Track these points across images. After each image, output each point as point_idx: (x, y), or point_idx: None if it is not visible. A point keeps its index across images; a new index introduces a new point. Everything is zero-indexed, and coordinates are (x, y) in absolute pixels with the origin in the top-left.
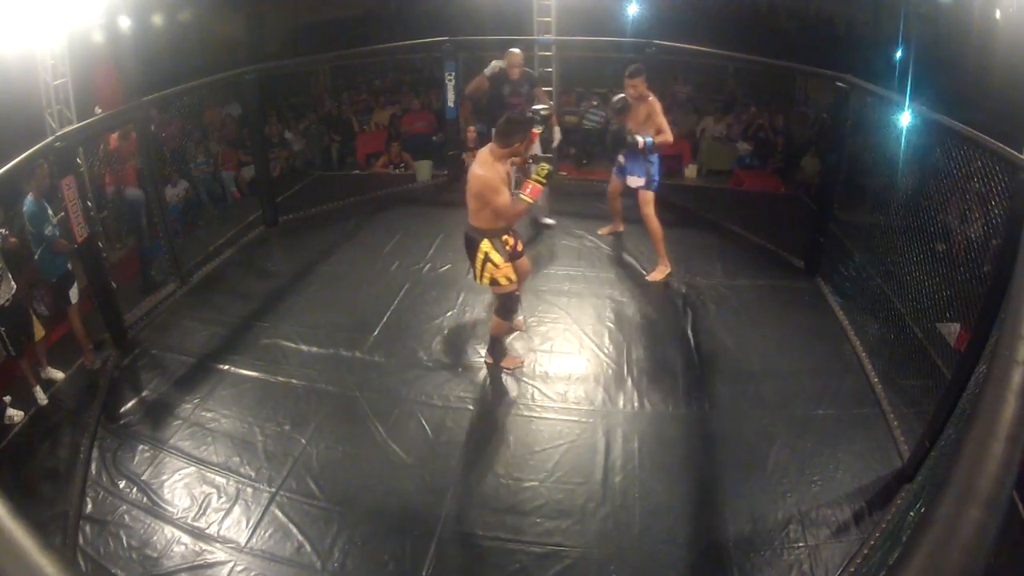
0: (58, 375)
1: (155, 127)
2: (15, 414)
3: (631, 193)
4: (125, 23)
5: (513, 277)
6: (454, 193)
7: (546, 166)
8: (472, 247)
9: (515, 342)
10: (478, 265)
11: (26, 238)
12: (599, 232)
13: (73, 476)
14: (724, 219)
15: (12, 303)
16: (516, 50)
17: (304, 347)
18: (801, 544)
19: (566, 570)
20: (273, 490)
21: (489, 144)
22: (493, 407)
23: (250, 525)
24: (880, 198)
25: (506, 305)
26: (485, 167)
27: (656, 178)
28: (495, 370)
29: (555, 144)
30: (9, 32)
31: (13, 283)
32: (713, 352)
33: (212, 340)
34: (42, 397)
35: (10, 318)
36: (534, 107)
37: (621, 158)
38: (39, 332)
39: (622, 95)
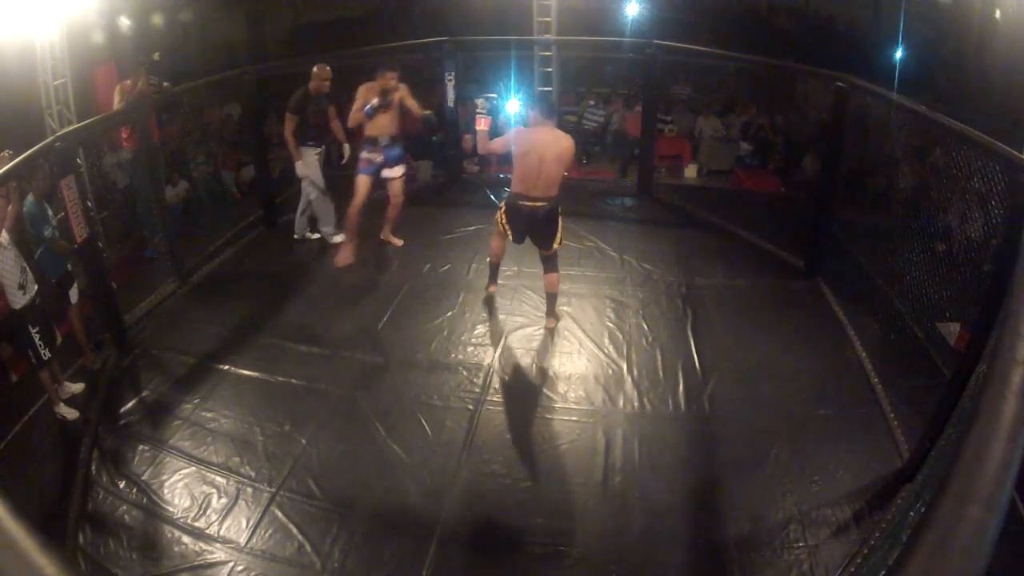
0: (78, 388)
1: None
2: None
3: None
4: (125, 23)
5: None
6: (454, 193)
7: None
8: (554, 216)
9: (514, 341)
10: (559, 231)
11: (27, 238)
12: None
13: (73, 476)
14: (724, 219)
15: (41, 301)
16: (323, 64)
17: (304, 347)
18: (801, 544)
19: (566, 570)
20: (273, 490)
21: (544, 124)
22: (493, 407)
23: (250, 525)
24: (880, 198)
25: (557, 260)
26: (565, 138)
27: None
28: (495, 370)
29: (344, 161)
30: (9, 32)
31: (36, 283)
32: (713, 352)
33: (212, 340)
34: (72, 412)
35: (42, 317)
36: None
37: (378, 156)
38: (57, 337)
39: (376, 102)
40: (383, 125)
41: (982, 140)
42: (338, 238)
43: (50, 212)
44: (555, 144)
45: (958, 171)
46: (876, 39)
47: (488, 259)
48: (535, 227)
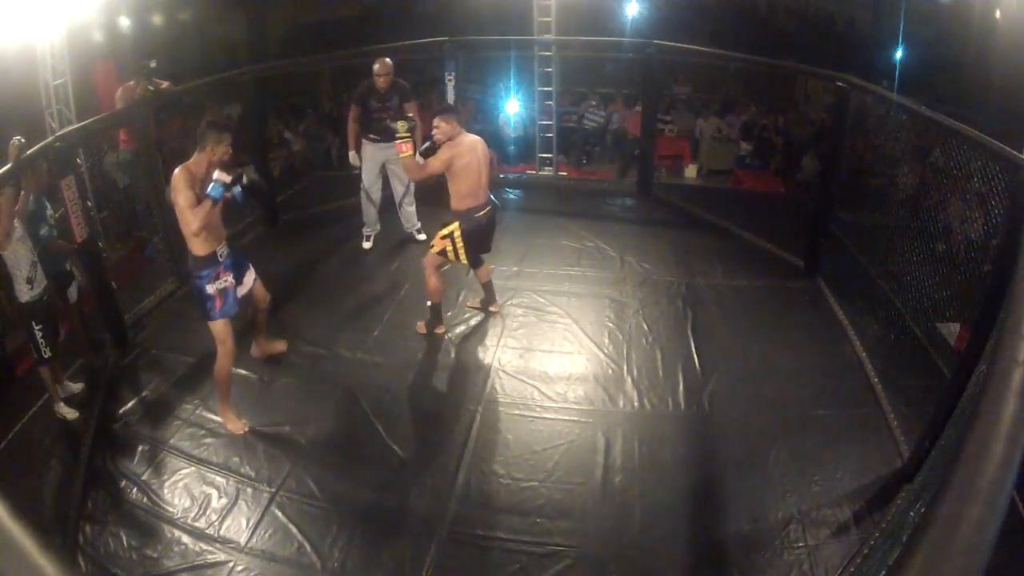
0: (78, 388)
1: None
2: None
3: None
4: (125, 23)
5: None
6: None
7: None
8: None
9: (514, 341)
10: None
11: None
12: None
13: (73, 476)
14: (724, 219)
15: (48, 298)
16: (383, 58)
17: (304, 347)
18: (801, 544)
19: (566, 570)
20: (273, 490)
21: (461, 132)
22: (493, 407)
23: (250, 525)
24: (880, 198)
25: None
26: (480, 140)
27: None
28: (495, 370)
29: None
30: (9, 31)
31: (46, 278)
32: (713, 352)
33: (212, 340)
34: (72, 412)
35: (47, 315)
36: (407, 116)
37: (227, 279)
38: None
39: (230, 178)
40: (218, 227)
41: (982, 140)
42: (367, 244)
43: (49, 210)
44: (481, 147)
45: (958, 171)
46: (876, 39)
47: (429, 303)
48: (488, 235)
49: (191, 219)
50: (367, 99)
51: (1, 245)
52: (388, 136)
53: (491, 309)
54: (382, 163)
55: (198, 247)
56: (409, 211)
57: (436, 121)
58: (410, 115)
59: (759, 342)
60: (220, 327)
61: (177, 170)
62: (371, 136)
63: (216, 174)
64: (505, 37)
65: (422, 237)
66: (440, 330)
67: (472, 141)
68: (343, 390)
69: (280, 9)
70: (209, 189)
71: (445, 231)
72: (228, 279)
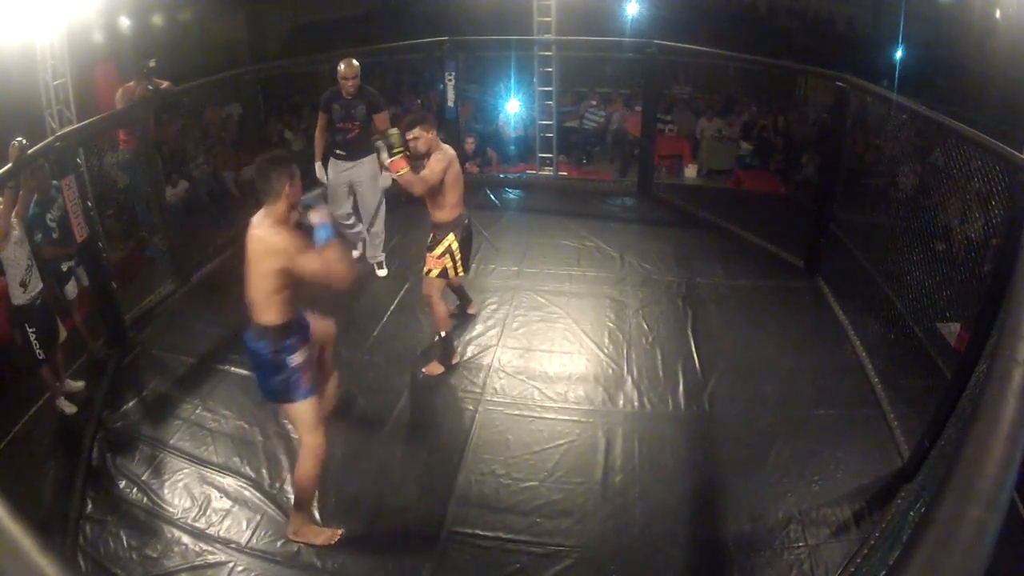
0: (78, 386)
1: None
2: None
3: None
4: (125, 23)
5: None
6: None
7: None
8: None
9: (514, 341)
10: None
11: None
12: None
13: (73, 476)
14: (724, 219)
15: (43, 301)
16: (349, 60)
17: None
18: (801, 544)
19: (566, 570)
20: (273, 491)
21: (438, 141)
22: (493, 407)
23: (250, 525)
24: (880, 198)
25: None
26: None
27: None
28: (495, 370)
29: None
30: (9, 31)
31: (40, 281)
32: (713, 352)
33: (212, 340)
34: (71, 407)
35: (41, 318)
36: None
37: (305, 349)
38: (61, 333)
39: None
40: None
41: (982, 140)
42: (356, 252)
43: (49, 215)
44: (456, 156)
45: (958, 171)
46: (876, 39)
47: (442, 333)
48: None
49: (339, 274)
50: (330, 105)
51: None
52: (354, 153)
53: (469, 312)
54: (348, 183)
55: (276, 314)
56: (377, 242)
57: (416, 132)
58: (394, 129)
59: (759, 342)
60: (310, 409)
61: (278, 235)
62: (336, 151)
63: (313, 215)
64: (505, 37)
65: (382, 273)
66: (455, 359)
67: (452, 152)
68: (343, 390)
69: (280, 9)
70: (319, 234)
71: (440, 249)
72: (306, 346)
